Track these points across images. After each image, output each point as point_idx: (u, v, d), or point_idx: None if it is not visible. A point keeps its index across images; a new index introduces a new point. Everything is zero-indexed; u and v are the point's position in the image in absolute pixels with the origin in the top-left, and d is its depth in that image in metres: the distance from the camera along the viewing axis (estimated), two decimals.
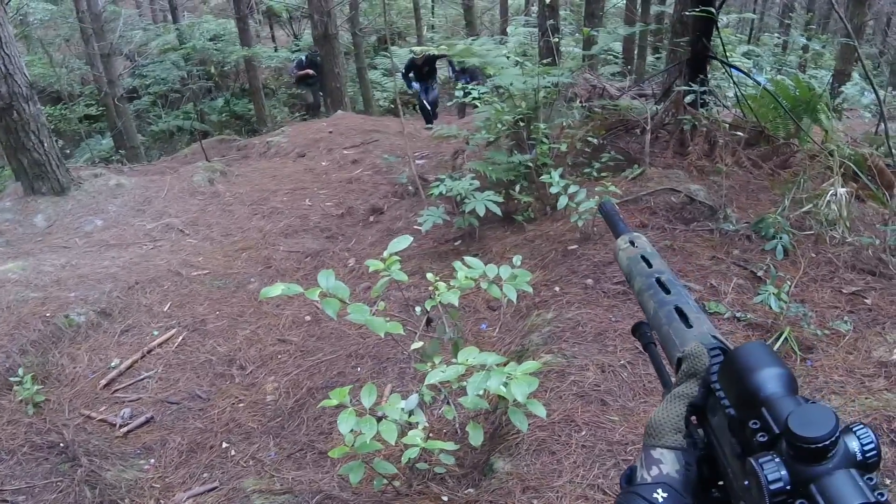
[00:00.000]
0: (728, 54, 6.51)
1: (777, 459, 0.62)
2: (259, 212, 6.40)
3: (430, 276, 2.29)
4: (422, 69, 11.80)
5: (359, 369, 3.97)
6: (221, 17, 20.23)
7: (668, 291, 1.05)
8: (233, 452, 3.63)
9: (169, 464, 3.62)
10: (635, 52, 15.12)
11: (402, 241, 2.18)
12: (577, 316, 3.81)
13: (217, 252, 5.75)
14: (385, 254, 2.15)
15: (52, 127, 11.32)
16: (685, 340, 0.94)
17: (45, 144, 7.43)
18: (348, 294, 2.00)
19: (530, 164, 5.22)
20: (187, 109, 16.35)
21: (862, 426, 0.64)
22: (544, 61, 6.63)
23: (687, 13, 5.69)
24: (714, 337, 0.92)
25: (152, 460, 3.66)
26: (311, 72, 12.38)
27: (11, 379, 3.91)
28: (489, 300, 4.35)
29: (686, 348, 0.89)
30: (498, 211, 4.86)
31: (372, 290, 2.16)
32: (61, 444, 3.59)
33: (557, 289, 4.13)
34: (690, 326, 0.97)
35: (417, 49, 11.00)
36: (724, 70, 6.30)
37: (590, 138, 5.56)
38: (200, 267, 5.44)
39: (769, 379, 0.70)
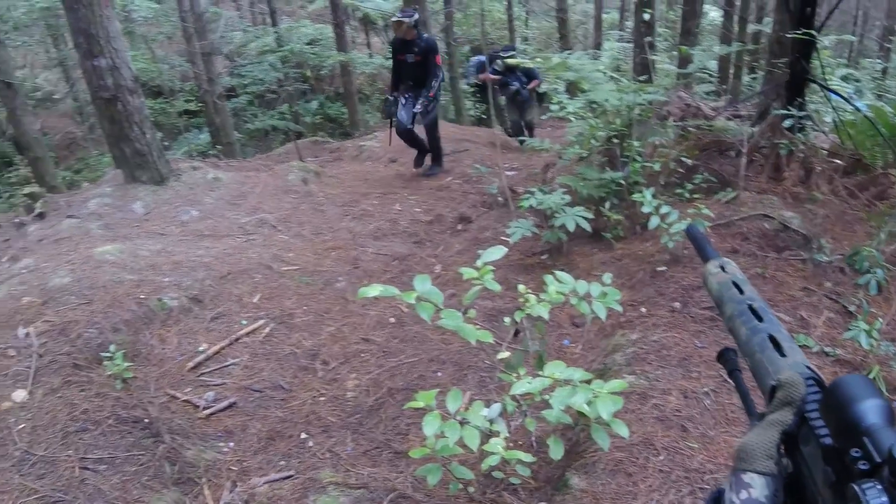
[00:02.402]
0: (827, 78, 6.30)
1: (879, 486, 0.64)
2: (350, 213, 6.53)
3: (521, 287, 2.32)
4: (402, 60, 7.77)
5: (439, 374, 4.02)
6: (319, 22, 20.75)
7: (760, 319, 1.05)
8: (310, 444, 3.72)
9: (248, 449, 3.73)
10: (731, 70, 14.78)
11: (496, 252, 2.22)
12: (663, 339, 3.76)
13: (307, 249, 5.91)
14: (478, 262, 2.19)
15: (153, 120, 11.86)
16: (779, 369, 0.95)
17: (147, 136, 7.78)
18: (441, 300, 2.05)
19: (622, 182, 5.18)
20: (282, 110, 16.83)
21: None
22: (640, 78, 6.58)
23: (786, 34, 5.55)
24: (808, 367, 0.93)
25: (231, 444, 3.77)
26: (493, 77, 9.52)
27: (102, 354, 4.06)
28: (573, 316, 4.34)
29: (781, 376, 0.89)
30: (587, 227, 4.83)
31: (464, 297, 2.20)
32: (146, 420, 3.74)
33: (643, 310, 4.10)
34: (784, 355, 0.97)
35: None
36: (822, 94, 6.11)
37: (683, 158, 5.48)
38: (291, 262, 5.59)
39: (871, 410, 0.71)
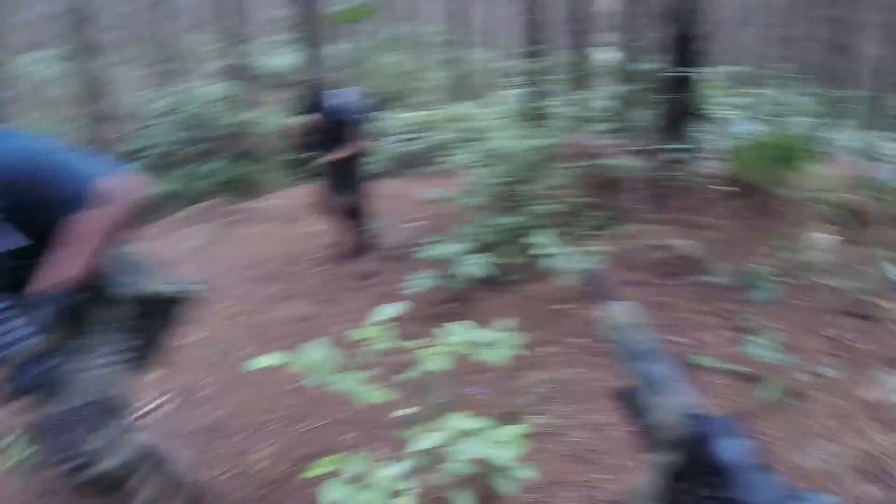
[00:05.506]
0: (713, 108, 6.66)
1: None
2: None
3: (407, 343, 2.35)
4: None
5: (349, 436, 3.85)
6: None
7: (650, 360, 1.11)
8: None
9: None
10: (626, 107, 15.36)
11: (392, 308, 2.24)
12: (570, 376, 3.84)
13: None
14: (374, 319, 2.21)
15: None
16: (665, 411, 1.00)
17: None
18: (333, 364, 2.06)
19: (520, 226, 5.26)
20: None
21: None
22: (531, 123, 6.78)
23: (667, 72, 5.86)
24: (692, 407, 0.99)
25: None
26: None
27: None
28: (480, 362, 4.35)
29: (665, 418, 0.94)
30: (486, 273, 4.84)
31: (360, 356, 2.22)
32: None
33: (551, 349, 4.16)
34: (671, 397, 1.03)
35: None
36: (710, 123, 6.41)
37: (577, 198, 5.62)
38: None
39: (731, 448, 0.79)
